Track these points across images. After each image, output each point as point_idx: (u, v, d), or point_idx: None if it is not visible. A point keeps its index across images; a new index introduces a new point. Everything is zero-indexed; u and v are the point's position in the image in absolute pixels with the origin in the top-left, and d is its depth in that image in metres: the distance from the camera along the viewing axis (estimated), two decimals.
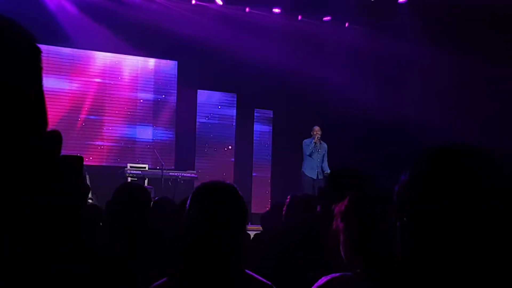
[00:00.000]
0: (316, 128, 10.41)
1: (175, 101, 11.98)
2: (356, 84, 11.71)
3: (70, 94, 11.18)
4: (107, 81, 11.51)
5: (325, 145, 10.51)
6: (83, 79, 11.31)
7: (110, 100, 11.50)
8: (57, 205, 0.85)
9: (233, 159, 12.35)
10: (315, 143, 10.32)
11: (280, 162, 12.16)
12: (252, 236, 5.15)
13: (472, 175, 1.04)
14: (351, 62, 11.96)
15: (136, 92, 11.75)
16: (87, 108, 11.31)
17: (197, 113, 12.16)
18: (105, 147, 11.38)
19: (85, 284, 0.85)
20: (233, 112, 12.44)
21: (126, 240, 2.83)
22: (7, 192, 0.76)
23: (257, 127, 12.62)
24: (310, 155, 10.35)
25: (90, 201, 8.37)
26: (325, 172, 10.25)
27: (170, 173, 10.44)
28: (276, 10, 12.13)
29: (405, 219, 1.09)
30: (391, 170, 1.16)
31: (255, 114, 12.58)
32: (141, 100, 11.77)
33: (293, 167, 10.86)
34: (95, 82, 11.41)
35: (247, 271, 2.04)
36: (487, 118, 11.11)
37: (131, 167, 10.37)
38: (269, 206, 9.74)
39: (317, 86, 11.69)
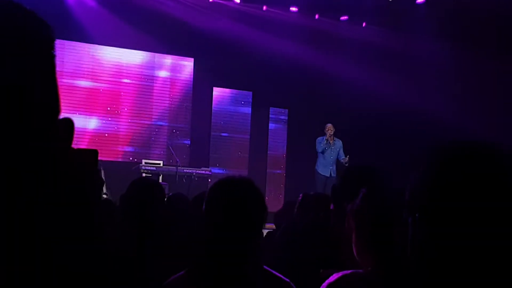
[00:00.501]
0: (329, 125, 10.39)
1: (191, 98, 12.01)
2: (372, 82, 11.67)
3: (86, 90, 11.24)
4: (123, 78, 11.56)
5: (339, 143, 10.47)
6: (98, 74, 11.37)
7: (126, 96, 11.55)
8: (69, 198, 0.86)
9: (247, 157, 12.36)
10: (327, 140, 10.30)
11: (295, 160, 12.15)
12: (265, 234, 5.16)
13: (485, 172, 1.03)
14: (367, 61, 11.91)
15: (152, 89, 11.79)
16: (103, 104, 11.37)
17: (212, 111, 12.18)
18: (120, 142, 11.44)
19: (98, 279, 0.85)
20: (248, 110, 12.45)
21: (140, 234, 2.84)
22: (16, 183, 0.76)
23: (272, 125, 12.62)
24: (322, 153, 10.33)
25: (104, 196, 8.43)
26: (342, 158, 10.20)
27: (184, 170, 10.47)
28: (293, 9, 12.12)
29: (417, 215, 1.08)
30: (407, 167, 1.16)
31: (270, 112, 12.57)
32: (157, 97, 11.82)
33: (307, 166, 10.85)
34: (110, 78, 11.46)
35: (265, 267, 2.04)
36: (505, 116, 11.01)
37: (146, 163, 10.42)
38: (282, 204, 9.73)
39: (332, 85, 11.67)
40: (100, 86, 11.37)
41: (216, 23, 11.40)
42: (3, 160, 0.75)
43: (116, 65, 11.51)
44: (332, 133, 10.35)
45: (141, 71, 11.71)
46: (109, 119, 11.38)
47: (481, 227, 0.99)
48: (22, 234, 0.76)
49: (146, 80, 11.74)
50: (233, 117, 12.35)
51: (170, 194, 4.89)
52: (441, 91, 11.65)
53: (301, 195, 3.77)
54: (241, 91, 12.35)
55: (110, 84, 11.45)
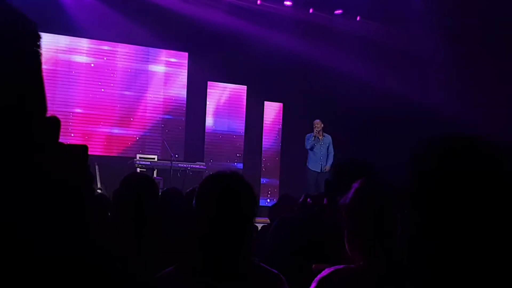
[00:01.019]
0: (316, 121, 10.39)
1: (185, 92, 11.99)
2: (367, 76, 11.69)
3: (80, 84, 11.21)
4: (117, 72, 11.53)
5: (328, 138, 10.49)
6: (91, 68, 11.34)
7: (120, 91, 11.52)
8: (59, 194, 0.85)
9: (242, 151, 12.36)
10: (315, 136, 10.31)
11: (289, 155, 12.16)
12: (259, 228, 5.17)
13: (478, 167, 1.03)
14: (362, 54, 11.92)
15: (147, 84, 11.77)
16: (97, 98, 11.35)
17: (207, 105, 12.18)
18: (114, 137, 11.42)
19: (92, 274, 0.85)
20: (243, 104, 12.44)
21: (134, 229, 2.84)
22: (4, 180, 0.76)
23: (266, 119, 12.61)
24: (311, 149, 10.36)
25: (99, 191, 8.42)
26: (326, 166, 10.25)
27: (179, 165, 10.46)
28: (288, 3, 12.09)
29: (406, 210, 1.08)
30: (401, 162, 1.16)
31: (265, 106, 12.57)
32: (151, 92, 11.79)
33: (302, 160, 10.86)
34: (103, 72, 11.43)
35: (255, 260, 2.05)
36: (500, 110, 11.04)
37: (140, 158, 10.41)
38: (277, 199, 9.75)
39: (327, 79, 11.68)
40: (94, 80, 11.33)
41: (210, 17, 11.37)
42: None
43: (110, 59, 11.47)
44: (320, 129, 10.36)
45: (135, 66, 11.67)
46: (103, 113, 11.35)
47: (473, 222, 0.99)
48: (7, 232, 0.75)
49: (140, 74, 11.70)
50: (227, 111, 12.34)
51: (165, 189, 4.89)
52: (437, 84, 11.67)
53: (303, 195, 3.76)
54: (235, 85, 12.34)
55: (104, 78, 11.41)
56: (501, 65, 11.06)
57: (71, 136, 10.71)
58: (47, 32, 9.56)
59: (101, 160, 9.67)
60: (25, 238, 0.77)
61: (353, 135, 11.77)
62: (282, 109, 12.64)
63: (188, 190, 3.56)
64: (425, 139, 1.12)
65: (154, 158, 10.57)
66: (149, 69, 11.80)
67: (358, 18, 12.44)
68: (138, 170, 9.82)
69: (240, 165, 12.21)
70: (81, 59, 11.23)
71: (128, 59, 11.63)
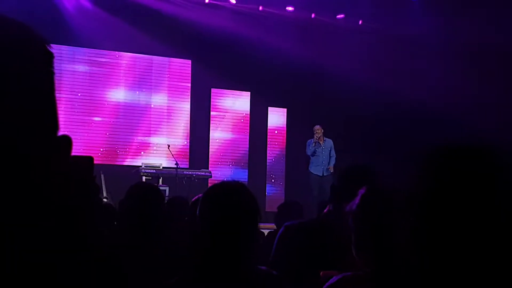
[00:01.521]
0: (316, 127, 10.44)
1: (189, 99, 12.01)
2: (370, 80, 11.68)
3: (83, 92, 11.25)
4: (120, 81, 11.56)
5: (330, 142, 10.53)
6: (94, 78, 11.37)
7: (125, 98, 11.55)
8: (66, 207, 0.86)
9: (247, 157, 12.36)
10: (315, 142, 10.36)
11: (294, 160, 12.16)
12: (266, 234, 5.16)
13: (482, 173, 1.03)
14: (365, 58, 11.92)
15: (150, 92, 11.79)
16: (101, 106, 11.38)
17: (211, 112, 12.19)
18: (119, 145, 11.44)
19: (98, 282, 0.85)
20: (247, 110, 12.45)
21: (139, 239, 2.84)
22: (15, 194, 0.76)
23: (271, 124, 12.62)
24: (312, 155, 10.40)
25: (105, 200, 8.44)
26: (330, 165, 10.29)
27: (184, 172, 10.47)
28: (290, 8, 12.11)
29: (414, 215, 1.09)
30: (407, 166, 1.16)
31: (268, 111, 12.58)
32: (155, 100, 11.82)
33: (307, 165, 10.86)
34: (106, 81, 11.46)
35: (259, 267, 2.06)
36: (505, 113, 11.03)
37: (145, 166, 10.42)
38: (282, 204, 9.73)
39: (331, 84, 11.67)
40: (97, 89, 11.36)
41: (212, 24, 11.40)
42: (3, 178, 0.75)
43: (113, 68, 11.51)
44: (320, 135, 10.39)
45: (139, 74, 11.70)
46: (108, 122, 11.38)
47: (478, 229, 0.99)
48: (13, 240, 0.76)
49: (143, 82, 11.73)
50: (231, 117, 12.35)
51: (171, 197, 4.90)
52: (442, 88, 11.66)
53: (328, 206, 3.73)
54: (239, 91, 12.35)
55: (107, 87, 11.45)
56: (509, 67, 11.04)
57: (74, 144, 10.72)
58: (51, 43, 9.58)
59: (106, 169, 9.69)
60: (31, 249, 0.77)
61: (357, 140, 11.75)
62: (286, 115, 12.64)
63: (193, 199, 3.56)
64: (432, 145, 1.12)
65: (159, 166, 10.58)
66: (153, 77, 11.82)
67: (360, 22, 12.45)
68: (144, 178, 9.83)
69: (245, 171, 12.20)
70: (84, 68, 11.26)
71: (132, 67, 11.66)
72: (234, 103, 12.39)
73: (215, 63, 11.55)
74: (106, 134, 11.36)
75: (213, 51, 11.49)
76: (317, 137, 10.38)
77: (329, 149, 10.47)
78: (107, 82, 11.44)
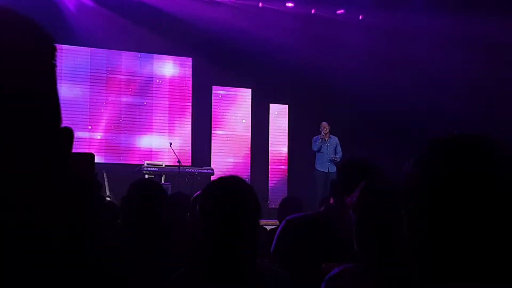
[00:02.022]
0: (324, 124, 10.55)
1: (191, 97, 12.02)
2: (371, 76, 11.67)
3: (86, 92, 11.26)
4: (122, 79, 11.57)
5: (335, 139, 10.61)
6: (96, 77, 11.38)
7: (125, 97, 11.56)
8: (68, 201, 0.86)
9: (249, 154, 12.37)
10: (322, 139, 10.43)
11: (297, 156, 12.16)
12: (268, 230, 5.17)
13: (479, 163, 1.03)
14: (365, 54, 11.90)
15: (152, 90, 11.80)
16: (102, 106, 11.39)
17: (212, 109, 12.19)
18: (121, 144, 11.45)
19: (102, 281, 0.85)
20: (249, 107, 12.45)
21: (141, 235, 2.85)
22: (16, 187, 0.76)
23: (272, 121, 12.62)
24: (318, 151, 10.48)
25: (108, 198, 8.45)
26: (335, 157, 10.33)
27: (187, 170, 10.48)
28: (290, 4, 12.10)
29: (412, 208, 1.09)
30: (408, 161, 1.16)
31: (270, 108, 12.58)
32: (157, 98, 11.82)
33: (309, 162, 10.87)
34: (109, 79, 11.47)
35: (262, 262, 2.06)
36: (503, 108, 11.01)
37: (148, 164, 10.43)
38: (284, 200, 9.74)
39: (332, 79, 11.65)
40: (99, 88, 11.37)
41: (213, 21, 11.39)
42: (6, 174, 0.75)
43: (113, 67, 11.51)
44: (327, 131, 10.46)
45: (140, 72, 11.70)
46: (109, 121, 11.39)
47: (477, 220, 0.99)
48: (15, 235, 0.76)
49: (145, 81, 11.74)
50: (233, 114, 12.35)
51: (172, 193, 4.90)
52: (444, 84, 11.64)
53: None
54: (240, 88, 12.35)
55: (109, 86, 11.45)
56: None
57: (76, 143, 10.73)
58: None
59: (109, 167, 9.69)
60: (35, 249, 0.77)
61: (360, 136, 11.75)
62: (288, 111, 12.64)
63: (195, 195, 3.58)
64: (430, 137, 1.12)
65: (161, 164, 10.59)
66: (154, 75, 11.83)
67: (360, 17, 12.43)
68: (146, 176, 9.84)
69: (248, 168, 12.21)
70: (85, 67, 11.27)
71: (133, 66, 11.66)
72: (235, 100, 12.39)
73: (216, 60, 11.55)
74: (108, 133, 11.36)
75: (214, 49, 11.48)
76: (324, 133, 10.45)
77: (334, 146, 10.55)
78: (107, 80, 11.44)
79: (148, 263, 2.68)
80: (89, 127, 11.18)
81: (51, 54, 0.83)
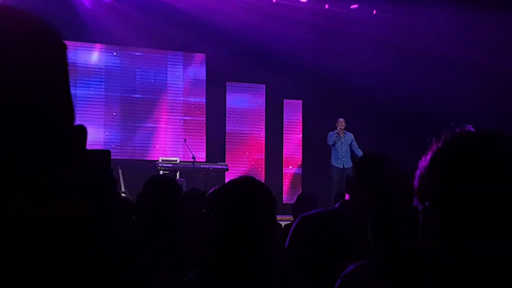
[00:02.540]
0: (340, 120, 10.61)
1: (204, 93, 12.04)
2: (386, 70, 11.60)
3: (100, 89, 11.32)
4: (136, 76, 11.61)
5: (350, 136, 10.68)
6: (110, 74, 11.43)
7: (140, 95, 11.60)
8: (84, 198, 0.86)
9: (263, 150, 12.37)
10: (337, 134, 10.47)
11: (311, 152, 12.15)
12: (283, 226, 5.18)
13: (495, 159, 1.03)
14: (379, 49, 11.83)
15: (166, 87, 11.83)
16: (118, 102, 11.45)
17: (226, 105, 12.21)
18: (136, 140, 11.50)
19: (116, 276, 0.85)
20: (262, 102, 12.44)
21: (157, 231, 2.86)
22: (16, 187, 0.76)
23: (286, 117, 12.60)
24: (333, 145, 10.54)
25: (123, 195, 8.49)
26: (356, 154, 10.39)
27: (201, 166, 10.51)
28: (303, 0, 12.07)
29: (427, 203, 1.08)
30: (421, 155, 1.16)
31: (284, 104, 12.56)
32: (171, 94, 11.86)
33: (323, 157, 10.87)
34: (122, 76, 11.52)
35: (276, 260, 2.06)
36: None
37: (162, 160, 10.47)
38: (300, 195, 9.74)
39: (346, 74, 11.61)
40: (113, 85, 11.42)
41: (226, 17, 11.38)
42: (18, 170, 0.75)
43: (127, 63, 11.55)
44: (343, 127, 10.51)
45: (154, 69, 11.74)
46: (124, 117, 11.44)
47: (492, 215, 0.99)
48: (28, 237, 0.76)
49: (159, 77, 11.77)
50: (247, 110, 12.35)
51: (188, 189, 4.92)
52: (460, 77, 11.54)
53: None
54: (254, 84, 12.35)
55: (123, 82, 11.50)
56: None
57: (91, 140, 10.80)
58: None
59: (124, 164, 9.74)
60: (35, 249, 0.77)
61: (374, 130, 11.71)
62: (301, 107, 12.61)
63: (210, 191, 3.58)
64: (446, 132, 1.12)
65: (176, 160, 10.62)
66: (168, 71, 11.86)
67: (374, 12, 12.36)
68: (161, 172, 9.88)
69: (262, 163, 12.21)
70: (99, 64, 11.32)
71: (146, 62, 11.70)
72: (249, 96, 12.39)
73: (230, 56, 11.54)
74: (122, 129, 11.42)
75: (227, 45, 11.48)
76: (340, 129, 10.51)
77: (349, 142, 10.61)
78: (121, 77, 11.49)
79: (163, 260, 2.69)
80: (104, 124, 11.24)
81: (62, 52, 0.83)
